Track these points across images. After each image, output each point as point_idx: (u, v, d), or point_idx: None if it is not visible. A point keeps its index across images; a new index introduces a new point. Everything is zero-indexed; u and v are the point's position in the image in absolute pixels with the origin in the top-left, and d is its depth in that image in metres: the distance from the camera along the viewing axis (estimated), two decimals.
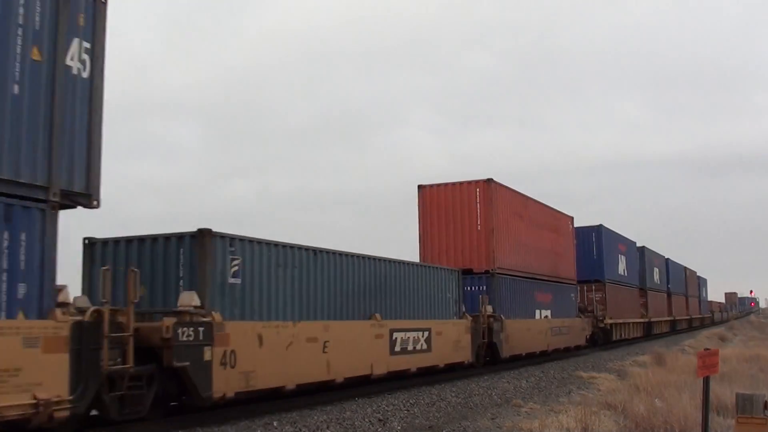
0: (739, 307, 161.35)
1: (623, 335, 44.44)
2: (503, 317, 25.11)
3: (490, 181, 25.70)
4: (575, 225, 41.08)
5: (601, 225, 41.17)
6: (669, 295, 62.20)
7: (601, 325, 39.60)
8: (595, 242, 41.05)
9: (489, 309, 24.71)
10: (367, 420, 13.71)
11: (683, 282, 71.02)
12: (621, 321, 43.22)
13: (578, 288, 36.34)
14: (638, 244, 51.62)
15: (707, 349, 10.29)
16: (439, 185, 26.35)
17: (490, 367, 24.14)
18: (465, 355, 22.01)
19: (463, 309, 22.88)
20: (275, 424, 12.83)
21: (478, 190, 25.78)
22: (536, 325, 28.54)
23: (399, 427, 13.31)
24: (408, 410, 15.16)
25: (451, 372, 21.45)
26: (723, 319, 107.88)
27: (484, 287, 25.24)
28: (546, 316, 30.11)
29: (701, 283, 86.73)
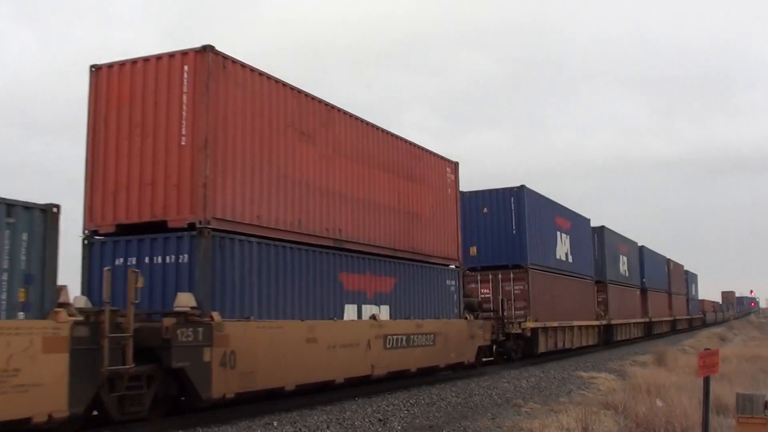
0: (737, 307, 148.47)
1: (561, 344, 31.60)
2: (222, 317, 12.56)
3: (209, 49, 13.09)
4: (496, 187, 28.86)
5: (523, 186, 28.40)
6: (643, 291, 50.45)
7: (517, 330, 26.93)
8: (514, 211, 28.22)
9: (185, 300, 12.22)
10: (367, 420, 13.19)
11: (665, 276, 59.51)
12: (555, 324, 30.40)
13: (460, 273, 23.20)
14: (595, 224, 39.13)
15: (708, 349, 10.06)
16: (123, 63, 13.76)
17: (171, 421, 11.64)
18: (45, 405, 9.41)
19: (57, 303, 10.34)
20: (275, 424, 12.15)
21: (186, 68, 13.18)
22: (336, 333, 15.77)
23: (399, 427, 12.91)
24: (408, 410, 14.72)
25: None
26: (718, 321, 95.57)
27: (186, 256, 12.73)
28: (374, 315, 17.50)
29: (690, 278, 74.29)
